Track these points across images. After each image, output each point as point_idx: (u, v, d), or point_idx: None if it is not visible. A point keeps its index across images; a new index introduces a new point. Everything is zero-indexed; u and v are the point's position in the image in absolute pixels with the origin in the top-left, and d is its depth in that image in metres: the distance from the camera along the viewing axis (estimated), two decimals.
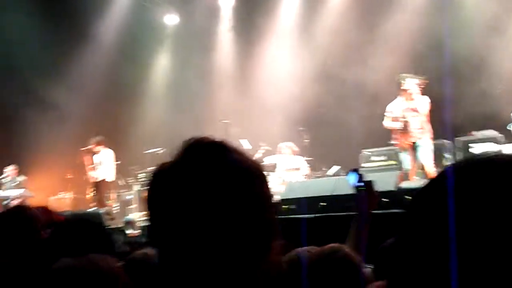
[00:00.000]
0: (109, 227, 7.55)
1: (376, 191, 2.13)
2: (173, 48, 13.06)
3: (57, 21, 11.08)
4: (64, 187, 11.06)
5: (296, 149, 9.01)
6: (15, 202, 8.83)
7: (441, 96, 7.47)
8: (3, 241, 1.76)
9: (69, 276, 1.04)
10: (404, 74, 7.18)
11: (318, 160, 9.73)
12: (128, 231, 7.05)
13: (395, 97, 7.32)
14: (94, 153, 9.55)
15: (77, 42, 11.40)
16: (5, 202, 9.51)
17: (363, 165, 8.51)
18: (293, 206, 5.78)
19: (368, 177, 2.22)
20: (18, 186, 10.15)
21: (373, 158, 8.67)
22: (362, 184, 2.12)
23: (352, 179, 2.16)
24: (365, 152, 8.81)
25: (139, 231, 7.28)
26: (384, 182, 5.03)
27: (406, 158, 7.09)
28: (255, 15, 11.66)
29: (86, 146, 9.48)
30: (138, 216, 9.13)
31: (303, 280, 0.84)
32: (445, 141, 8.03)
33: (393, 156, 8.28)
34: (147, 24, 12.50)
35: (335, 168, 9.23)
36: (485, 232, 0.46)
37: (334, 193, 5.62)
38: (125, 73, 11.84)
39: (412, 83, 7.02)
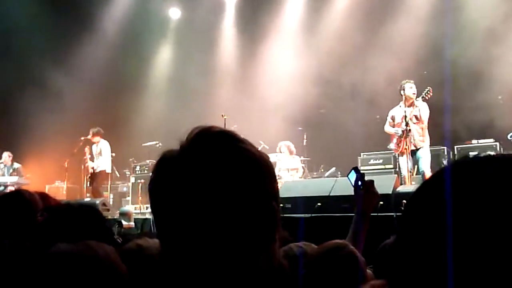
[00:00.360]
0: (104, 217, 7.54)
1: (377, 191, 2.11)
2: (175, 42, 13.03)
3: (61, 10, 11.06)
4: (61, 176, 11.03)
5: (294, 149, 9.01)
6: (10, 189, 8.81)
7: (441, 104, 7.51)
8: (1, 223, 1.75)
9: (65, 261, 1.03)
10: (406, 81, 7.18)
11: (316, 161, 9.73)
12: (123, 223, 7.04)
13: (396, 102, 7.32)
14: (93, 143, 9.54)
15: (80, 33, 11.38)
16: (0, 188, 9.48)
17: (361, 167, 8.52)
18: (288, 205, 5.77)
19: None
20: (13, 173, 10.13)
21: (371, 161, 8.69)
22: (362, 183, 2.10)
23: (353, 178, 2.14)
24: (364, 155, 8.84)
25: (134, 222, 7.27)
26: (381, 185, 5.03)
27: (404, 163, 7.09)
28: (259, 12, 11.64)
29: (85, 136, 9.47)
30: (133, 207, 9.12)
31: (299, 274, 0.83)
32: (443, 148, 8.06)
33: (391, 160, 8.30)
34: (150, 17, 12.48)
35: (332, 169, 9.25)
36: (483, 230, 0.45)
37: (331, 194, 5.62)
38: (126, 65, 11.82)
39: (414, 90, 7.03)
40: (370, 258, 1.91)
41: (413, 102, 7.01)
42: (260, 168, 0.80)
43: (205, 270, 0.75)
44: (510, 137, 6.69)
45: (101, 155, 9.49)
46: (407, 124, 6.96)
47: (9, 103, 10.88)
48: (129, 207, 8.90)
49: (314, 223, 4.88)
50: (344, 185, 5.24)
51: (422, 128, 7.00)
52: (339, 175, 8.44)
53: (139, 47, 12.32)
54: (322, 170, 9.63)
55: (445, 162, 8.00)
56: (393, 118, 7.28)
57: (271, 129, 9.69)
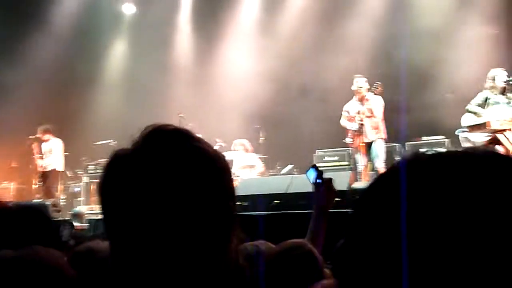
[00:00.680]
0: (55, 219, 7.29)
1: (335, 189, 2.13)
2: (130, 38, 12.76)
3: (11, 3, 10.61)
4: (8, 177, 10.59)
5: (250, 147, 9.02)
6: None
7: (392, 102, 7.74)
8: None
9: (8, 268, 0.96)
10: (357, 75, 7.35)
11: (273, 158, 9.79)
12: (75, 224, 6.82)
13: (351, 98, 7.48)
14: (43, 141, 9.19)
15: (30, 26, 10.96)
16: None
17: (317, 164, 8.62)
18: (246, 203, 5.77)
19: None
20: None
21: (326, 158, 8.82)
22: (321, 181, 2.12)
23: (312, 175, 2.15)
24: (319, 152, 8.95)
25: (87, 224, 7.07)
26: (336, 182, 5.10)
27: (359, 159, 7.24)
28: (215, 9, 11.59)
29: (34, 134, 9.12)
30: (86, 208, 8.87)
31: (260, 274, 0.81)
32: (396, 144, 8.28)
33: (346, 156, 8.45)
34: (104, 11, 12.18)
35: (289, 167, 9.32)
36: (435, 227, 0.44)
37: (288, 191, 5.66)
38: (78, 61, 11.48)
39: (364, 84, 7.20)
40: (329, 256, 1.92)
41: (363, 96, 7.17)
42: (215, 167, 0.77)
43: (158, 272, 0.72)
44: (457, 133, 6.94)
45: (51, 153, 9.16)
46: (361, 119, 7.12)
47: None
48: (81, 208, 8.66)
49: (272, 220, 4.90)
50: (301, 182, 5.29)
51: (376, 122, 7.16)
52: (296, 172, 8.52)
53: (91, 42, 11.98)
54: (279, 167, 9.70)
55: (397, 158, 8.22)
56: (348, 112, 7.45)
57: (228, 127, 9.67)
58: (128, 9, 12.69)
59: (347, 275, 0.48)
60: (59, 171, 9.40)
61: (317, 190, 2.10)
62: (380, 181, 0.52)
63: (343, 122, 7.52)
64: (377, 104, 7.15)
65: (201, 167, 0.75)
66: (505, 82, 6.32)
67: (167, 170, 0.73)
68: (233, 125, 9.76)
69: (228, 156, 8.95)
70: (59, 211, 8.02)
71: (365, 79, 7.30)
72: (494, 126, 6.09)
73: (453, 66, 8.41)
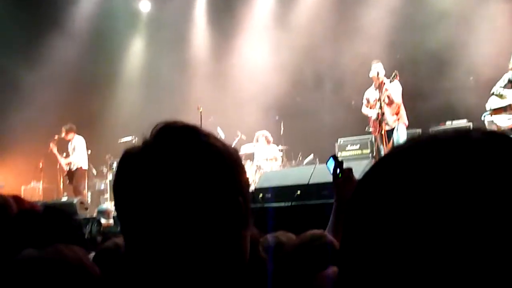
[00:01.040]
0: (83, 216, 7.44)
1: (355, 179, 2.08)
2: (147, 36, 12.85)
3: (29, 6, 10.79)
4: (36, 176, 10.82)
5: (271, 138, 9.02)
6: None
7: (413, 87, 7.61)
8: None
9: (32, 267, 0.99)
10: (374, 62, 7.26)
11: (294, 149, 9.77)
12: (102, 221, 6.95)
13: (370, 85, 7.41)
14: (67, 141, 9.37)
15: (48, 28, 11.13)
16: None
17: (338, 154, 8.57)
18: (268, 195, 5.77)
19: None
20: None
21: (348, 147, 8.74)
22: (340, 171, 2.08)
23: (331, 166, 2.11)
24: (341, 140, 8.87)
25: (113, 220, 7.19)
26: (357, 171, 5.06)
27: (381, 147, 7.18)
28: (231, 3, 11.57)
29: (58, 134, 9.29)
30: (112, 205, 9.01)
31: (268, 265, 0.81)
32: (418, 130, 8.15)
33: (368, 144, 8.37)
34: (121, 10, 12.27)
35: (310, 157, 9.29)
36: (425, 217, 0.42)
37: (310, 182, 5.64)
38: (98, 60, 11.63)
39: (378, 71, 7.10)
40: None
41: (381, 82, 7.08)
42: (225, 163, 0.78)
43: (170, 268, 0.74)
44: (484, 117, 6.79)
45: (74, 151, 9.33)
46: (381, 107, 7.03)
47: None
48: (107, 205, 8.80)
49: (294, 211, 4.90)
50: (323, 172, 5.25)
51: (396, 107, 7.06)
52: (318, 162, 8.48)
53: (110, 41, 12.11)
54: (301, 158, 9.67)
55: None
56: (367, 100, 7.38)
57: (248, 120, 9.68)
58: (145, 7, 12.77)
59: (345, 261, 0.48)
60: (85, 170, 9.57)
61: (337, 180, 2.07)
62: (374, 169, 0.50)
63: (364, 110, 7.48)
64: (395, 89, 7.06)
65: (210, 163, 0.76)
66: None
67: (177, 167, 0.74)
68: (252, 117, 9.76)
69: (250, 148, 9.04)
70: (86, 208, 8.18)
71: (381, 65, 7.21)
72: None
73: (473, 47, 8.20)
